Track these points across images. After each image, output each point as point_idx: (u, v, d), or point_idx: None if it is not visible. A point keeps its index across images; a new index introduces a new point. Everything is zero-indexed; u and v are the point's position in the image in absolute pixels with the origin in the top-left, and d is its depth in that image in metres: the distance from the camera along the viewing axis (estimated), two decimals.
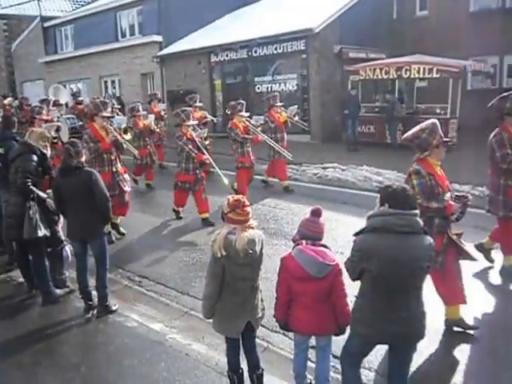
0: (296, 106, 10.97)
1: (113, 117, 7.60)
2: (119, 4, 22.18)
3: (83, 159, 5.04)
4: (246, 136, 8.90)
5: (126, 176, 7.38)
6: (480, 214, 8.26)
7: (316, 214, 3.45)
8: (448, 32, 15.81)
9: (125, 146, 7.30)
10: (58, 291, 5.61)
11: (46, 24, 26.36)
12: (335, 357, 3.96)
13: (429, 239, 3.12)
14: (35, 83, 27.46)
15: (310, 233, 3.40)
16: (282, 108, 10.18)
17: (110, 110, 7.28)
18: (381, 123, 14.69)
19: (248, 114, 9.20)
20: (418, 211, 3.11)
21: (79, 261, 5.17)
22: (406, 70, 14.01)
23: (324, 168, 11.45)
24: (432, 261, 3.17)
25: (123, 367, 4.25)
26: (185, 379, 4.03)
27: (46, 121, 8.74)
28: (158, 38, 20.53)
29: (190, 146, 7.65)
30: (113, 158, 7.04)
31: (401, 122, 14.02)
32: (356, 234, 3.22)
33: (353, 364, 3.41)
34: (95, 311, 5.16)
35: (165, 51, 20.46)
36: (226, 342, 3.65)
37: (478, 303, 4.94)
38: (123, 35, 22.83)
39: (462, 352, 4.35)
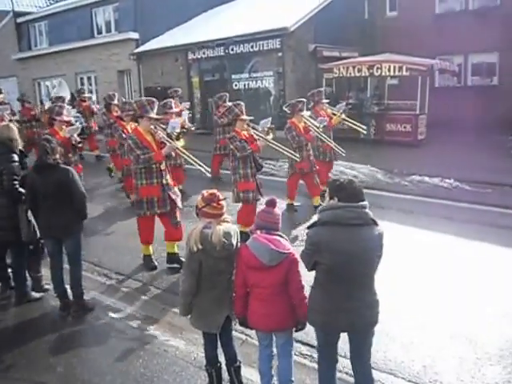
0: (344, 103, 9.94)
1: (161, 119, 6.62)
2: (95, 0, 21.91)
3: (58, 156, 4.96)
4: (301, 141, 7.92)
5: (177, 190, 6.31)
6: (448, 204, 8.58)
7: (271, 204, 3.48)
8: (416, 32, 16.40)
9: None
10: (34, 294, 5.50)
11: (20, 20, 25.86)
12: (312, 346, 4.07)
13: (378, 229, 3.14)
14: (8, 80, 26.90)
15: (265, 223, 3.41)
16: (327, 105, 9.40)
17: (156, 110, 6.10)
18: (354, 119, 14.86)
19: (309, 114, 8.42)
20: (366, 203, 3.13)
21: (54, 259, 5.10)
22: (378, 68, 14.30)
23: None
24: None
25: (101, 365, 4.24)
26: (163, 375, 4.04)
27: (68, 123, 7.81)
28: (135, 35, 20.40)
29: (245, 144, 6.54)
30: (162, 168, 5.94)
31: (373, 118, 14.25)
32: (309, 228, 3.26)
33: (324, 353, 3.43)
34: (71, 310, 5.11)
35: (141, 48, 20.33)
36: (203, 336, 3.67)
37: None
38: (99, 32, 22.59)
39: (425, 331, 4.47)
